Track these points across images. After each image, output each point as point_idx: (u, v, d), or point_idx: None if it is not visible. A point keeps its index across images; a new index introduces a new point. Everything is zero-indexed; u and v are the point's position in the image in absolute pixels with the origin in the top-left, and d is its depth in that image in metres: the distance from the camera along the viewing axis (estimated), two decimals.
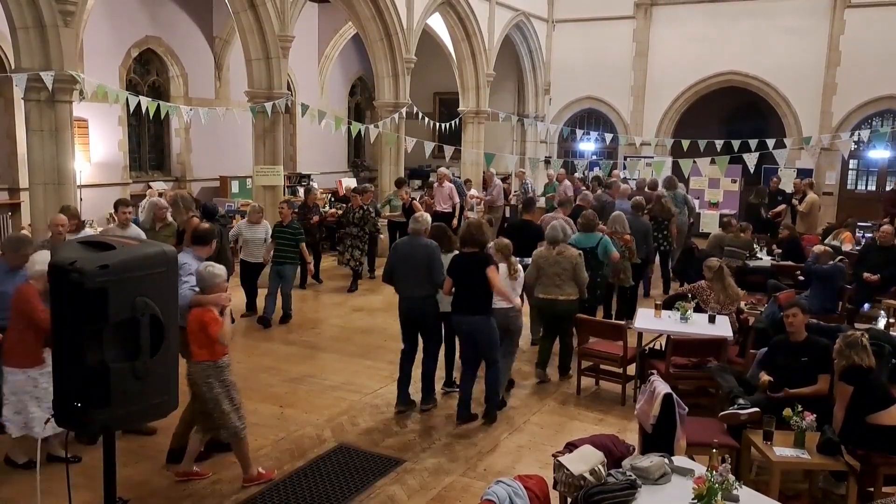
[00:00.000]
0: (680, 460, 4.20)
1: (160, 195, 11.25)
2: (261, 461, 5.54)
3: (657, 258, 11.15)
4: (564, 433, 6.00)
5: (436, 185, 13.75)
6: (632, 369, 6.97)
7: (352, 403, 6.75)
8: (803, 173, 16.11)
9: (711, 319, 6.98)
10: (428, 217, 6.90)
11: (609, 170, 15.91)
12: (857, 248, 11.09)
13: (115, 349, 2.74)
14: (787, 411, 4.80)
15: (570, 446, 4.17)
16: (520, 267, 6.87)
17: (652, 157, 17.00)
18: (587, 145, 20.14)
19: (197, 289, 5.00)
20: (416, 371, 6.70)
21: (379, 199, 12.97)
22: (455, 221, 12.58)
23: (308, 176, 16.95)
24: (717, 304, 7.25)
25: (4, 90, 11.69)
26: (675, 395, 4.63)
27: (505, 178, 17.60)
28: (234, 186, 15.20)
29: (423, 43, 15.15)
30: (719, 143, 14.29)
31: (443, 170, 13.97)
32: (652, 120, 18.56)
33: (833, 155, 16.79)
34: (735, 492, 3.68)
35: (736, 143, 13.79)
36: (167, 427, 5.78)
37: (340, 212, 12.48)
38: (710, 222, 16.23)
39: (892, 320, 8.82)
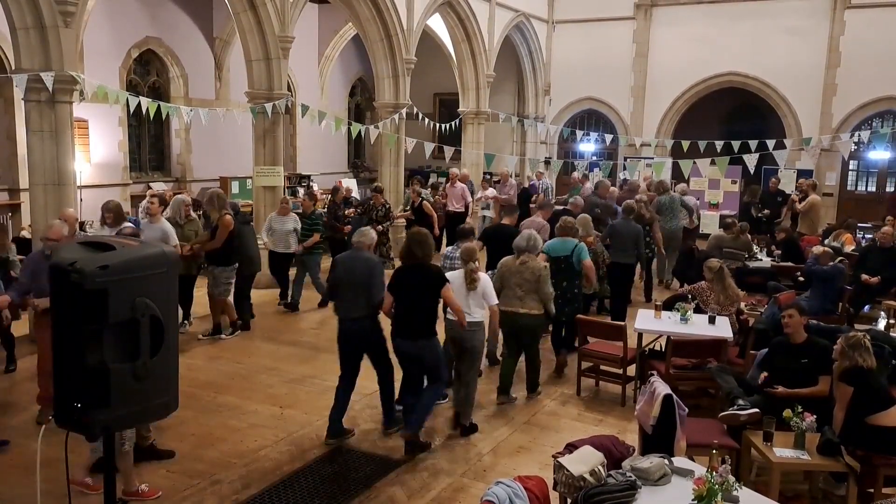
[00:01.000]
0: (680, 461, 4.20)
1: (160, 195, 11.29)
2: (261, 462, 5.55)
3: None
4: (564, 434, 5.99)
5: (448, 184, 13.83)
6: (632, 370, 6.97)
7: (352, 404, 6.72)
8: (803, 174, 16.13)
9: (711, 320, 6.98)
10: (372, 232, 6.19)
11: (609, 170, 15.91)
12: (857, 249, 11.09)
13: (115, 350, 2.74)
14: (787, 412, 4.80)
15: (570, 447, 4.17)
16: (482, 275, 6.23)
17: (652, 158, 17.01)
18: (587, 146, 20.15)
19: None
20: (363, 400, 6.32)
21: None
22: (469, 220, 12.63)
23: (308, 177, 16.97)
24: (717, 305, 7.25)
25: (4, 91, 11.70)
26: (675, 396, 4.63)
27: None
28: (235, 187, 15.22)
29: (423, 44, 15.15)
30: (719, 144, 14.29)
31: (455, 170, 14.09)
32: (652, 121, 18.57)
33: (833, 156, 16.79)
34: (735, 493, 3.68)
35: (736, 144, 13.79)
36: (167, 427, 5.80)
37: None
38: (709, 223, 16.22)
39: (892, 321, 8.82)
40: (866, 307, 9.82)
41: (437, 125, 16.00)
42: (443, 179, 16.23)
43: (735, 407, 5.21)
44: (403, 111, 14.16)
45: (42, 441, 3.68)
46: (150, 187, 13.94)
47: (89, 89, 9.78)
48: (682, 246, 11.86)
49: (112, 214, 7.94)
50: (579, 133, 18.19)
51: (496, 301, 6.25)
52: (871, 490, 4.68)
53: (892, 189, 17.23)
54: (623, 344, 6.84)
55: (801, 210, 13.19)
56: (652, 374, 5.07)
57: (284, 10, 11.11)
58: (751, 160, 12.81)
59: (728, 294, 7.33)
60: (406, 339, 5.66)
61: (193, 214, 8.92)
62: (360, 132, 14.02)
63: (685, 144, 14.91)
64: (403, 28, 13.96)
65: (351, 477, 5.32)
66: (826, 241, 11.35)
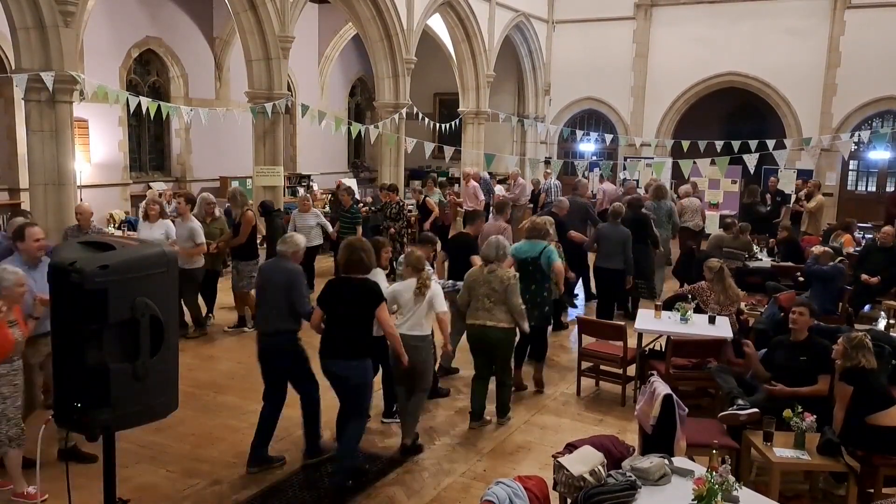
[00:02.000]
0: (680, 461, 4.20)
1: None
2: None
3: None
4: (564, 434, 5.99)
5: (462, 183, 13.88)
6: (632, 370, 6.97)
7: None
8: (803, 174, 16.13)
9: (711, 320, 6.98)
10: (299, 239, 5.67)
11: (609, 170, 15.90)
12: (858, 249, 11.09)
13: (114, 350, 2.74)
14: (787, 412, 4.80)
15: (570, 447, 4.17)
16: (434, 284, 5.73)
17: (652, 158, 17.00)
18: (587, 146, 20.15)
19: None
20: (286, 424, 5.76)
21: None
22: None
23: (308, 176, 16.98)
24: (717, 305, 7.25)
25: (5, 90, 11.70)
26: (675, 396, 4.63)
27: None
28: (234, 187, 15.20)
29: (423, 44, 15.16)
30: (719, 144, 14.30)
31: (467, 168, 14.14)
32: (652, 121, 18.57)
33: (833, 156, 16.79)
34: (735, 493, 3.68)
35: (736, 144, 13.79)
36: (167, 427, 5.79)
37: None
38: (709, 223, 16.18)
39: (892, 321, 8.82)
40: (866, 307, 9.83)
41: (437, 125, 16.01)
42: (442, 179, 16.29)
43: (735, 407, 5.21)
44: (403, 111, 14.18)
45: (41, 441, 3.68)
46: (150, 187, 13.95)
47: (89, 89, 9.79)
48: (683, 246, 11.85)
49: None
50: (579, 133, 18.20)
51: (444, 308, 5.72)
52: (871, 490, 4.68)
53: (893, 189, 17.23)
54: (623, 344, 6.84)
55: (811, 210, 13.16)
56: (652, 374, 5.07)
57: (284, 10, 11.12)
58: (751, 160, 12.81)
59: (728, 294, 7.33)
60: (333, 359, 5.04)
61: (218, 213, 9.10)
62: (360, 132, 14.03)
63: (685, 144, 14.91)
64: (403, 28, 13.97)
65: (350, 477, 5.31)
66: (826, 242, 11.35)
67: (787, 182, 15.44)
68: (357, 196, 13.02)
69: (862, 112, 16.51)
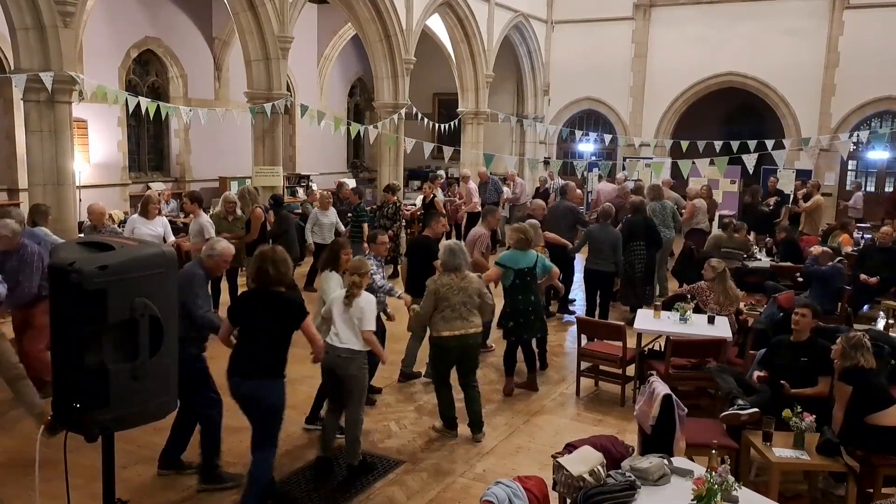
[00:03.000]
0: (679, 461, 4.20)
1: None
2: None
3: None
4: (564, 434, 5.98)
5: (461, 184, 14.10)
6: (631, 370, 6.97)
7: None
8: (802, 174, 16.13)
9: (711, 320, 6.98)
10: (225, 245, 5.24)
11: (608, 170, 15.90)
12: (856, 248, 11.10)
13: (114, 350, 2.74)
14: (787, 412, 4.80)
15: (570, 447, 4.17)
16: (366, 295, 5.26)
17: (651, 158, 17.00)
18: (586, 146, 20.16)
19: None
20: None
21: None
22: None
23: (307, 177, 16.98)
24: (716, 305, 7.25)
25: (4, 91, 11.70)
26: (674, 396, 4.63)
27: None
28: (234, 187, 15.18)
29: (422, 44, 15.16)
30: (718, 144, 14.29)
31: (465, 170, 14.23)
32: (651, 121, 18.58)
33: (832, 156, 16.81)
34: (734, 493, 3.68)
35: (735, 144, 13.80)
36: (166, 427, 5.79)
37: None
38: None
39: (891, 321, 8.83)
40: (865, 307, 9.83)
41: (437, 125, 16.02)
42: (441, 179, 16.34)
43: (735, 407, 5.21)
44: (403, 111, 14.18)
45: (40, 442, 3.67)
46: (149, 187, 13.94)
47: (88, 89, 9.78)
48: (682, 246, 11.83)
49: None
50: (578, 133, 18.20)
51: (371, 327, 5.23)
52: (871, 490, 4.68)
53: (892, 189, 17.24)
54: (622, 344, 6.84)
55: (807, 210, 13.16)
56: (651, 374, 5.07)
57: (284, 11, 11.11)
58: (750, 160, 12.82)
59: (728, 294, 7.33)
60: (242, 378, 4.56)
61: (239, 212, 9.24)
62: (359, 132, 14.03)
63: (684, 144, 14.91)
64: (402, 28, 13.97)
65: (350, 477, 5.30)
66: (824, 242, 11.36)
67: (786, 182, 15.45)
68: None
69: (861, 112, 16.52)
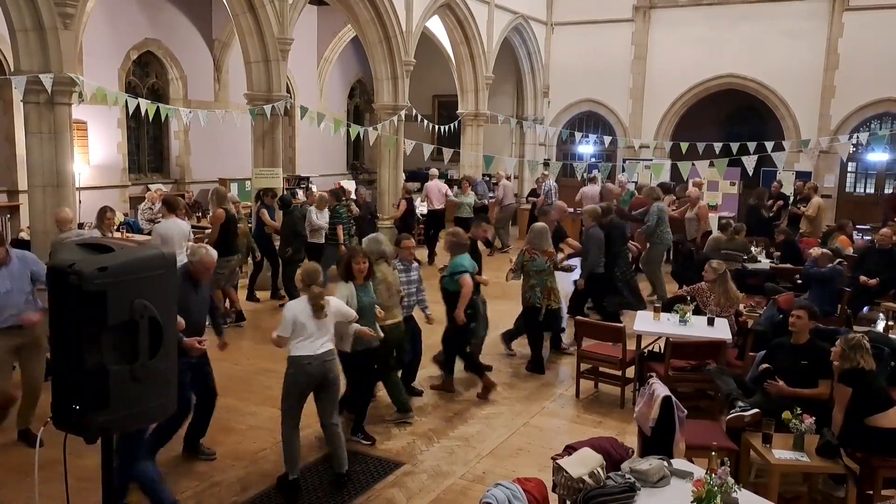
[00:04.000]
0: (679, 463, 4.20)
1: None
2: (260, 464, 5.54)
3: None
4: (563, 436, 5.99)
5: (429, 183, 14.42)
6: (631, 372, 6.97)
7: None
8: (802, 176, 16.13)
9: (710, 322, 6.98)
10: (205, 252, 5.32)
11: (608, 172, 15.89)
12: (854, 249, 11.10)
13: (113, 351, 2.73)
14: (787, 414, 4.80)
15: (569, 449, 4.17)
16: (332, 300, 5.23)
17: (651, 160, 17.00)
18: (586, 148, 20.16)
19: None
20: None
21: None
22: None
23: (307, 178, 16.97)
24: (716, 307, 7.25)
25: (4, 92, 11.69)
26: (674, 398, 4.63)
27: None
28: (233, 189, 15.19)
29: (422, 46, 15.17)
30: (718, 146, 14.28)
31: (434, 170, 14.88)
32: (651, 122, 18.58)
33: (831, 157, 16.81)
34: (734, 494, 3.68)
35: (734, 146, 13.78)
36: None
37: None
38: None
39: (890, 323, 8.83)
40: (865, 309, 9.83)
41: (437, 127, 16.01)
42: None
43: (737, 408, 5.21)
44: (402, 113, 14.18)
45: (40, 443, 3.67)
46: (148, 189, 13.93)
47: (88, 91, 9.77)
48: (682, 247, 11.84)
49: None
50: (578, 135, 18.19)
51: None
52: (871, 492, 4.68)
53: (891, 190, 17.24)
54: (622, 346, 6.84)
55: (810, 215, 13.14)
56: (651, 376, 5.07)
57: (283, 13, 11.11)
58: (749, 162, 12.80)
59: (728, 296, 7.34)
60: None
61: (243, 213, 9.42)
62: (359, 134, 14.03)
63: (684, 146, 14.89)
64: (402, 30, 13.97)
65: (350, 479, 5.31)
66: (824, 244, 11.35)
67: (785, 184, 15.45)
68: (355, 196, 13.04)
69: (860, 114, 16.52)
